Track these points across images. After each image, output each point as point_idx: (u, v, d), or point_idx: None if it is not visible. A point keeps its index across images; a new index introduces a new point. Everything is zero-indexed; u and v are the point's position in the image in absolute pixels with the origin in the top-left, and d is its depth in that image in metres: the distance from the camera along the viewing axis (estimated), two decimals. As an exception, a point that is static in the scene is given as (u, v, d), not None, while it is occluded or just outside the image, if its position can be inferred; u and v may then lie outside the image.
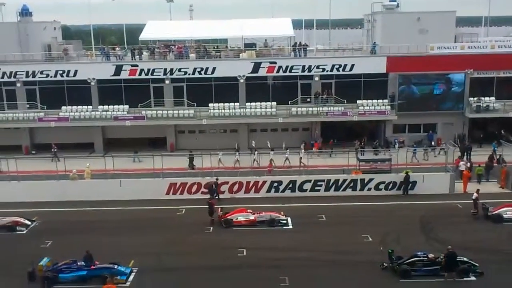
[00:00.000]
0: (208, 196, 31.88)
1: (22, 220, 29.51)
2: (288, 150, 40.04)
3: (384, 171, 34.93)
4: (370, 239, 26.56)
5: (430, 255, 22.81)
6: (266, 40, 50.22)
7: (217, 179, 33.14)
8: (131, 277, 22.94)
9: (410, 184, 33.29)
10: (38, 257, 23.63)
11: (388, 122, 45.71)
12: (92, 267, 22.81)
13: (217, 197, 32.61)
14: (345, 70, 45.30)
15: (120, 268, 22.99)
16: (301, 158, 38.41)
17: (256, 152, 38.99)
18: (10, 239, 27.81)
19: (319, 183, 33.62)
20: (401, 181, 33.41)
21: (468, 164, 36.57)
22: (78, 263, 22.97)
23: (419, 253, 23.15)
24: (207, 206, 29.16)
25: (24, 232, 28.87)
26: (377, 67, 45.24)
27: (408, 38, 45.07)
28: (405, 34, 45.41)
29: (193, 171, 38.23)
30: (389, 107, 45.03)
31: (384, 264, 23.25)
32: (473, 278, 22.40)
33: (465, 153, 40.72)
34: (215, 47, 52.58)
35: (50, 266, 23.04)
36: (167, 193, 33.70)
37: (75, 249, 24.55)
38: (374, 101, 45.39)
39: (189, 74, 45.58)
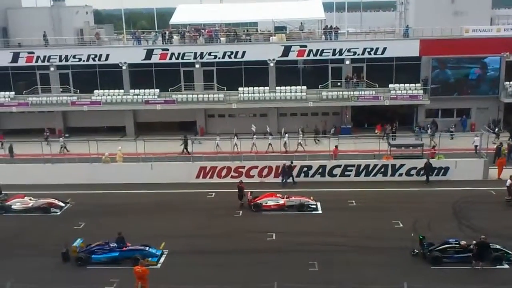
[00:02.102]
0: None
1: (56, 202, 30.14)
2: (287, 135, 39.65)
3: (416, 156, 34.39)
4: (401, 225, 26.25)
5: (462, 242, 22.40)
6: (302, 23, 49.74)
7: (291, 162, 32.92)
8: (162, 259, 23.23)
9: (432, 171, 32.48)
10: (71, 238, 24.16)
11: (420, 106, 44.91)
12: (124, 248, 23.16)
13: (292, 181, 32.56)
14: (377, 53, 44.59)
15: (151, 250, 23.30)
16: (299, 143, 38.23)
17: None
18: (45, 221, 28.50)
19: (349, 168, 33.33)
20: (421, 167, 32.67)
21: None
22: (110, 245, 23.35)
23: (451, 240, 22.78)
24: (237, 190, 29.27)
25: (58, 213, 29.51)
26: (409, 51, 44.37)
27: (442, 20, 44.05)
28: (439, 17, 44.39)
29: (188, 155, 37.70)
30: (422, 91, 44.20)
31: (415, 250, 22.97)
32: (506, 266, 21.94)
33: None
34: (245, 30, 52.36)
35: (83, 247, 23.51)
36: (197, 176, 33.94)
37: (107, 231, 25.01)
38: (406, 85, 44.62)
39: (219, 58, 45.57)
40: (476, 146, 36.55)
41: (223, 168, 33.79)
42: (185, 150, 39.45)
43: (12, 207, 29.61)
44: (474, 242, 22.12)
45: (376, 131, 43.14)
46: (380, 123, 43.65)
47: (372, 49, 44.63)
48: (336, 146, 35.41)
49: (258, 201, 28.95)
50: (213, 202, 30.64)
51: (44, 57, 46.46)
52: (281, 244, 24.60)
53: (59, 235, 25.31)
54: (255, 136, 39.99)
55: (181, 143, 39.88)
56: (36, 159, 35.68)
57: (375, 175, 33.30)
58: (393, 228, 25.99)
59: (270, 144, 38.96)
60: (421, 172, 32.62)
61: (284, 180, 32.85)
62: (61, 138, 40.85)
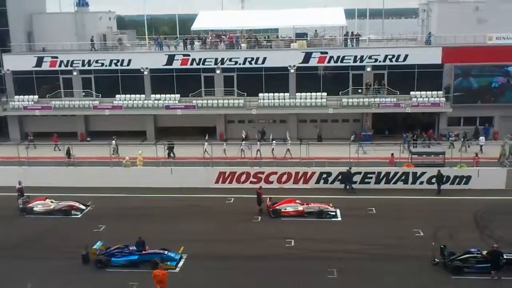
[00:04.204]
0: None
1: (77, 204, 30.47)
2: (274, 142, 39.77)
3: (438, 164, 33.99)
4: (422, 234, 25.94)
5: (484, 252, 22.07)
6: (316, 30, 49.69)
7: (350, 168, 32.72)
8: (180, 263, 23.31)
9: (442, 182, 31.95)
10: (91, 240, 24.39)
11: (442, 114, 44.42)
12: (143, 252, 23.29)
13: (350, 187, 32.42)
14: (399, 60, 44.26)
15: (170, 254, 23.40)
16: (288, 149, 38.10)
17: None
18: (66, 223, 28.83)
19: (369, 175, 33.07)
20: (434, 175, 32.18)
21: None
22: (130, 248, 23.52)
23: (472, 250, 22.45)
24: (256, 196, 29.24)
25: (79, 216, 29.83)
26: (432, 58, 43.96)
27: (465, 28, 43.51)
28: (462, 24, 43.86)
29: (173, 160, 37.92)
30: (444, 99, 43.73)
31: (436, 259, 22.67)
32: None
33: None
34: (266, 37, 52.47)
35: (103, 250, 23.71)
36: (217, 181, 34.00)
37: (126, 234, 25.19)
38: (428, 92, 44.17)
39: (239, 64, 45.70)
40: (481, 146, 38.64)
41: (242, 174, 33.80)
42: (170, 155, 39.39)
43: (34, 209, 30.02)
44: (485, 251, 21.81)
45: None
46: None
47: (393, 56, 44.32)
48: (392, 154, 35.04)
49: (277, 207, 28.89)
50: (232, 207, 30.66)
51: (68, 61, 47.10)
52: (300, 250, 24.50)
53: (79, 237, 25.56)
54: (274, 141, 40.00)
55: (166, 148, 39.81)
56: (59, 162, 36.12)
57: (395, 182, 32.98)
58: (413, 237, 25.69)
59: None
60: (444, 179, 32.18)
61: (347, 186, 32.54)
62: (113, 141, 40.42)
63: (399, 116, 45.04)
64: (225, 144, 39.97)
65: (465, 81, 43.75)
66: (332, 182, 33.28)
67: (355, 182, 32.76)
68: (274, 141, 40.02)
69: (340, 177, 32.88)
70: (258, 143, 39.59)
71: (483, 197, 30.79)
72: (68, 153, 37.79)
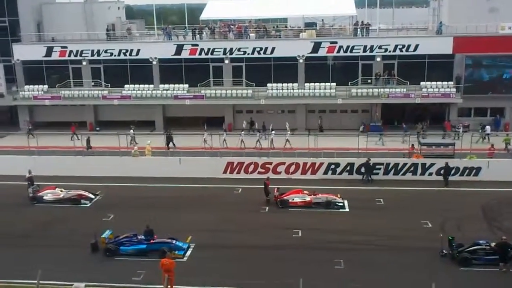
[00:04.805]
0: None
1: (86, 193, 30.64)
2: (273, 132, 39.77)
3: (447, 155, 33.77)
4: (430, 225, 25.83)
5: (493, 244, 21.95)
6: (322, 20, 49.36)
7: (369, 159, 32.49)
8: (188, 252, 23.41)
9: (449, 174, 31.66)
10: (100, 229, 24.53)
11: (452, 105, 44.08)
12: (152, 241, 23.43)
13: (369, 178, 32.27)
14: (409, 50, 43.91)
15: (178, 243, 23.50)
16: (287, 140, 38.00)
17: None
18: (75, 212, 29.02)
19: (377, 167, 32.91)
20: (441, 167, 31.89)
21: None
22: (138, 237, 23.66)
23: (480, 242, 22.31)
24: (263, 186, 29.24)
25: (88, 205, 30.01)
26: (442, 48, 43.57)
27: (477, 17, 43.08)
28: (474, 13, 43.45)
29: (174, 150, 37.94)
30: (454, 89, 43.37)
31: (444, 251, 22.57)
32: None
33: None
34: (275, 26, 52.21)
35: (112, 239, 23.87)
36: (224, 171, 34.01)
37: (135, 223, 25.32)
38: (439, 83, 43.84)
39: (248, 54, 45.57)
40: (488, 134, 39.35)
41: (250, 164, 33.79)
42: (169, 145, 39.52)
43: (44, 198, 30.24)
44: (494, 243, 21.69)
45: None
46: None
47: (404, 46, 43.96)
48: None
49: (285, 198, 28.87)
50: (240, 197, 30.70)
51: (77, 51, 47.24)
52: (307, 241, 24.51)
53: (88, 226, 25.68)
54: (273, 131, 40.12)
55: (165, 137, 39.97)
56: (68, 152, 36.33)
57: (404, 174, 32.81)
58: (421, 228, 25.60)
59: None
60: (452, 172, 31.96)
61: (366, 177, 32.39)
62: (131, 131, 40.77)
63: (409, 107, 44.74)
64: (224, 135, 39.84)
65: (476, 71, 43.34)
66: (340, 173, 33.18)
67: (377, 174, 32.59)
68: (273, 132, 39.98)
69: (361, 168, 32.56)
70: (258, 133, 39.46)
71: (493, 188, 30.52)
72: (88, 143, 38.09)
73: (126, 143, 34.82)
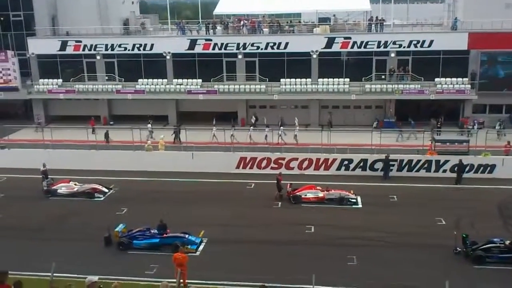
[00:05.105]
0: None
1: (100, 187, 30.86)
2: (281, 128, 39.59)
3: (461, 152, 33.49)
4: (444, 222, 25.67)
5: (507, 242, 21.75)
6: (334, 15, 49.10)
7: (387, 155, 32.40)
8: (201, 247, 23.49)
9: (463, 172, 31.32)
10: (114, 223, 24.70)
11: (467, 101, 43.67)
12: (165, 235, 23.53)
13: (387, 176, 32.10)
14: (423, 46, 43.56)
15: (191, 238, 23.58)
16: (295, 135, 37.95)
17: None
18: (89, 205, 29.24)
19: (391, 163, 32.72)
20: (455, 164, 31.56)
21: None
22: (151, 231, 23.78)
23: (495, 239, 22.12)
24: (276, 182, 29.22)
25: (102, 199, 30.22)
26: (458, 44, 43.14)
27: (493, 13, 42.47)
28: (490, 9, 42.81)
29: (179, 145, 38.05)
30: (469, 86, 42.95)
31: (458, 248, 22.41)
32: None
33: None
34: (289, 21, 52.00)
35: (125, 233, 24.02)
36: (237, 167, 34.03)
37: (148, 217, 25.45)
38: (453, 79, 43.44)
39: (261, 49, 45.48)
40: (498, 131, 38.99)
41: (263, 159, 33.78)
42: (176, 140, 39.70)
43: (58, 191, 30.50)
44: (508, 241, 21.49)
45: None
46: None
47: (418, 41, 43.61)
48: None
49: (298, 193, 28.84)
50: (253, 192, 30.71)
51: (91, 45, 47.46)
52: (320, 237, 24.48)
53: (102, 220, 25.86)
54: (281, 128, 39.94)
55: (172, 132, 40.12)
56: (82, 145, 36.57)
57: (418, 170, 32.61)
58: (435, 225, 25.44)
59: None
60: (466, 169, 31.69)
61: (385, 174, 32.23)
62: (148, 125, 41.10)
63: (423, 103, 44.40)
64: (232, 130, 39.72)
65: (492, 68, 42.87)
66: (354, 169, 33.05)
67: (391, 170, 32.39)
68: (281, 127, 39.88)
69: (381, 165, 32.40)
70: (266, 129, 39.44)
71: (508, 186, 30.23)
72: (106, 136, 38.32)
73: (139, 137, 34.91)
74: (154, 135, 39.50)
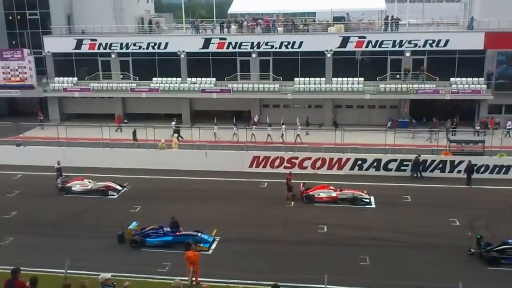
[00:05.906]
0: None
1: (114, 185, 31.03)
2: (284, 126, 39.42)
3: (477, 153, 33.16)
4: (458, 223, 25.44)
5: (523, 244, 21.51)
6: (347, 14, 48.87)
7: (418, 155, 32.13)
8: (213, 246, 23.53)
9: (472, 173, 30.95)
10: (127, 221, 24.84)
11: (483, 102, 43.21)
12: (177, 233, 23.60)
13: (419, 176, 31.87)
14: (439, 45, 43.20)
15: (203, 236, 23.62)
16: (298, 134, 37.92)
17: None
18: (102, 203, 29.43)
19: (405, 163, 32.51)
20: (465, 168, 31.17)
21: None
22: (164, 229, 23.85)
23: (510, 241, 21.85)
24: (286, 181, 29.16)
25: (116, 196, 30.40)
26: (474, 43, 42.72)
27: (510, 12, 41.98)
28: (507, 8, 42.34)
29: (182, 143, 38.03)
30: (485, 86, 42.50)
31: (472, 249, 22.20)
32: None
33: None
34: (303, 20, 51.87)
35: (138, 230, 24.12)
36: (250, 165, 34.05)
37: (161, 215, 25.54)
38: (469, 79, 43.02)
39: (276, 48, 45.42)
40: (509, 129, 39.47)
41: (276, 158, 33.75)
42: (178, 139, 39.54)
43: (72, 188, 30.74)
44: None
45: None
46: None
47: (434, 41, 43.26)
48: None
49: (310, 193, 28.76)
50: (265, 191, 30.70)
51: (106, 44, 47.76)
52: (333, 236, 24.40)
53: (115, 217, 26.00)
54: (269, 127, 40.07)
55: (173, 133, 40.08)
56: (96, 143, 36.82)
57: (432, 171, 32.35)
58: (449, 226, 25.22)
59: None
60: (481, 170, 31.37)
61: (415, 174, 32.03)
62: (173, 123, 41.34)
63: (438, 103, 44.04)
64: (234, 129, 39.71)
65: (508, 68, 42.37)
66: (367, 169, 32.89)
67: (404, 170, 32.24)
68: (284, 126, 39.70)
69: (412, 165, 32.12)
70: (269, 127, 39.32)
71: (524, 187, 29.93)
72: (134, 134, 38.61)
73: (163, 135, 34.89)
74: (165, 134, 39.49)
